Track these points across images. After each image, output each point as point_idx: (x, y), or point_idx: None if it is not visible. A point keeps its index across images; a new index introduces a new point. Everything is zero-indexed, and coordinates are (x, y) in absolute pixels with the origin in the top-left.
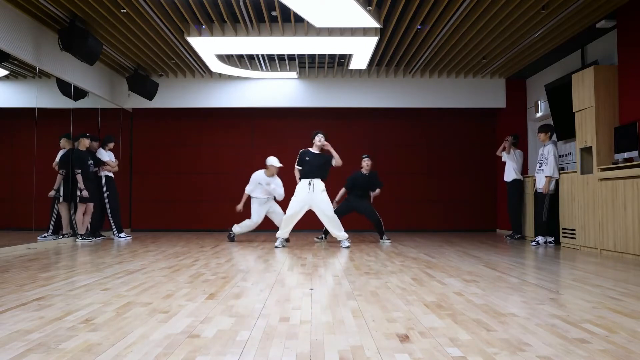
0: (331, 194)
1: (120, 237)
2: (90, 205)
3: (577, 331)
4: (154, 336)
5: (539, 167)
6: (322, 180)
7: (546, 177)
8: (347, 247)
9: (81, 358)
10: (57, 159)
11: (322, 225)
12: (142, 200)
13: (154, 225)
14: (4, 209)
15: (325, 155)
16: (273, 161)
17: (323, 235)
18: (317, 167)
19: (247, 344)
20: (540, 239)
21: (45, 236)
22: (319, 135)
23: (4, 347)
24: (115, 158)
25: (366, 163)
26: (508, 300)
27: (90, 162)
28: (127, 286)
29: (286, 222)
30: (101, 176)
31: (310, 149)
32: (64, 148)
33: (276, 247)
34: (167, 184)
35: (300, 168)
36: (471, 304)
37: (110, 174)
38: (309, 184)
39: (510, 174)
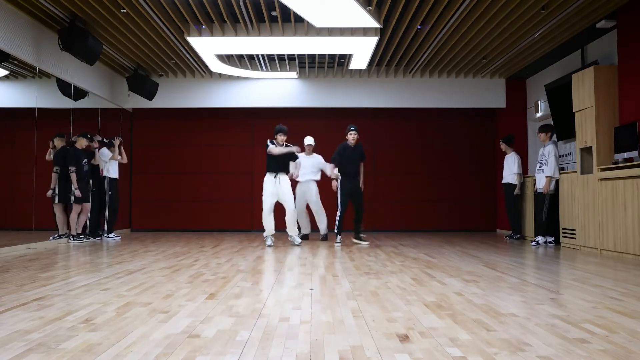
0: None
1: (109, 237)
2: (87, 205)
3: (577, 331)
4: (154, 336)
5: (539, 167)
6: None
7: (546, 177)
8: (299, 245)
9: (81, 358)
10: (53, 158)
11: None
12: (142, 200)
13: (154, 225)
14: (4, 209)
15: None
16: (306, 140)
17: (336, 233)
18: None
19: (247, 344)
20: (540, 239)
21: (58, 236)
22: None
23: (4, 347)
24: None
25: (352, 137)
26: (508, 300)
27: (84, 162)
28: (127, 286)
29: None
30: (105, 177)
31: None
32: (57, 147)
33: (269, 246)
34: (167, 184)
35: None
36: (471, 304)
37: (115, 176)
38: (275, 176)
39: (508, 176)
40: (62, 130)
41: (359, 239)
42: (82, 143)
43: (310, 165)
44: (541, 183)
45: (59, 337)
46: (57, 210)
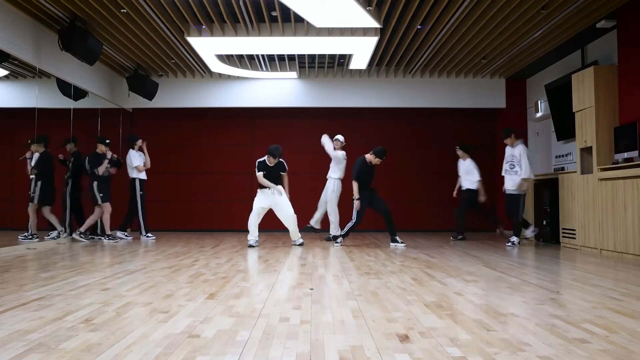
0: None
1: (148, 236)
2: (108, 206)
3: (577, 331)
4: (154, 336)
5: (511, 168)
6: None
7: (522, 179)
8: (300, 245)
9: (81, 358)
10: (34, 162)
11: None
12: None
13: (154, 225)
14: (4, 209)
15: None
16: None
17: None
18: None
19: (247, 344)
20: (515, 239)
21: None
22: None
23: (4, 347)
24: (146, 155)
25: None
26: (508, 300)
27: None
28: (127, 286)
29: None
30: (134, 178)
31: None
32: (36, 152)
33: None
34: (167, 184)
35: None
36: (471, 304)
37: (144, 176)
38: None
39: (467, 182)
40: (62, 131)
41: (395, 241)
42: (102, 148)
43: (332, 161)
44: (513, 184)
45: (59, 337)
46: (31, 211)
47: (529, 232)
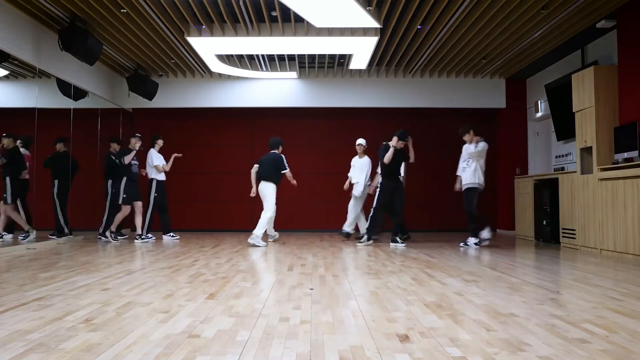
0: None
1: (148, 237)
2: (139, 204)
3: (577, 331)
4: (154, 336)
5: (467, 165)
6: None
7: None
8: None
9: (81, 358)
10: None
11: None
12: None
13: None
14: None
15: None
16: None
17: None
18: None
19: (247, 344)
20: (481, 234)
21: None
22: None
23: (4, 347)
24: (167, 158)
25: (401, 144)
26: (508, 300)
27: (133, 161)
28: (127, 286)
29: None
30: (152, 179)
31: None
32: (8, 147)
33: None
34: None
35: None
36: (471, 304)
37: (162, 177)
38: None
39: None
40: (62, 131)
41: (395, 241)
42: (134, 144)
43: (358, 167)
44: (466, 179)
45: (59, 337)
46: (10, 211)
47: (475, 237)
